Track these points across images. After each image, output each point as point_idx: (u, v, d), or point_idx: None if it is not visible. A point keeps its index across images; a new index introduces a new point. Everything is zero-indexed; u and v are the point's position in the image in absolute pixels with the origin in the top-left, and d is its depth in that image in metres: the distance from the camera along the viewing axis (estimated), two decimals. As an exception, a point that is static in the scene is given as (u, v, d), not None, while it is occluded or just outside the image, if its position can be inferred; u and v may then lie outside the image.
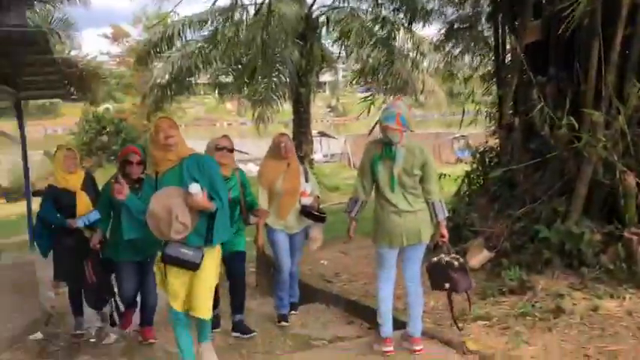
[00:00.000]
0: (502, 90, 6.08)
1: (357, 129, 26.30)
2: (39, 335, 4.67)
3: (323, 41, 14.60)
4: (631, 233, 4.35)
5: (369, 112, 6.78)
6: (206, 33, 13.30)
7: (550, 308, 4.08)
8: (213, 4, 10.94)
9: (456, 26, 7.52)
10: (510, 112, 6.26)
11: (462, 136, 7.30)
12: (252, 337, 4.42)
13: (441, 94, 14.18)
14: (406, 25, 10.62)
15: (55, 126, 39.39)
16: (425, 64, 12.59)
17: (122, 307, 4.56)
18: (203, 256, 3.28)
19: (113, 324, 4.58)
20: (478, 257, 5.46)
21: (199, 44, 13.11)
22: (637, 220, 4.54)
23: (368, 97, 7.37)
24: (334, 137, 26.95)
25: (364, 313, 4.78)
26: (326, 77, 16.72)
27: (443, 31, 7.81)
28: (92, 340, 4.65)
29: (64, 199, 4.48)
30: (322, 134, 26.81)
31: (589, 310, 3.99)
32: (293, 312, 4.96)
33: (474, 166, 6.49)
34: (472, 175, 6.45)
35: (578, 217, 4.79)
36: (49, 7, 15.75)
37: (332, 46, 14.78)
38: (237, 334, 4.45)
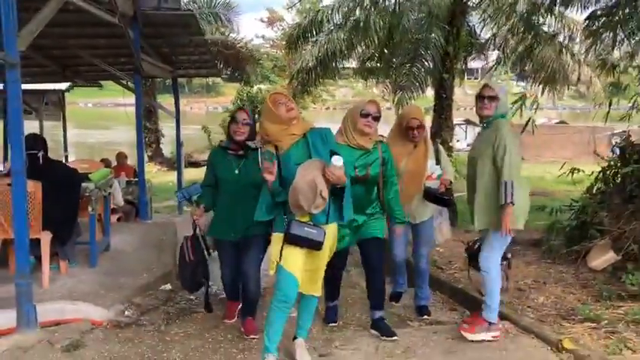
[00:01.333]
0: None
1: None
2: (168, 287, 5.19)
3: (473, 25, 14.29)
4: None
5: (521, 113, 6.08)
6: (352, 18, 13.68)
7: (668, 318, 3.80)
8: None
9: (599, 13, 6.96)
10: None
11: (623, 131, 6.74)
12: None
13: (599, 84, 13.13)
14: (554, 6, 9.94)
15: (216, 104, 42.91)
16: (581, 51, 11.76)
17: (224, 295, 4.40)
18: (325, 234, 3.21)
19: (209, 310, 4.27)
20: (602, 258, 5.19)
21: (342, 28, 13.48)
22: None
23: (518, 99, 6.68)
24: (478, 125, 26.05)
25: (468, 302, 4.82)
26: (477, 64, 16.24)
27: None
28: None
29: None
30: (468, 122, 26.04)
31: None
32: (426, 316, 4.58)
33: (612, 162, 6.06)
34: (608, 172, 6.03)
35: None
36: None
37: (481, 31, 14.42)
38: (376, 333, 3.95)
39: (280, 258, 3.25)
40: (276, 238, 3.32)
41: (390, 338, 3.84)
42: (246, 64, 18.55)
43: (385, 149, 3.93)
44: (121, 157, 8.87)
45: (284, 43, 20.68)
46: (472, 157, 3.89)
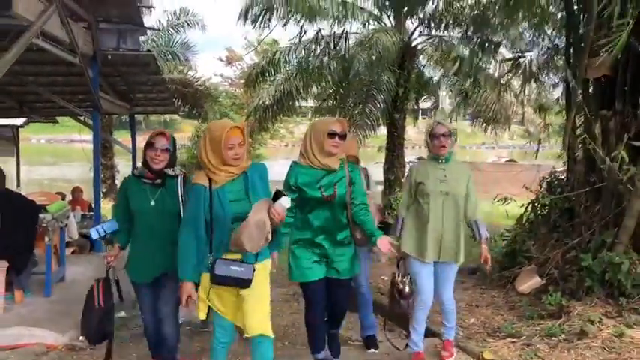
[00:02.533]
0: (568, 123, 6.28)
1: (460, 156, 26.18)
2: (122, 314, 5.15)
3: (422, 68, 15.18)
4: (671, 266, 4.47)
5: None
6: (308, 59, 14.36)
7: (576, 331, 4.32)
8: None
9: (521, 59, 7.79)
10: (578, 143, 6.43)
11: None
12: None
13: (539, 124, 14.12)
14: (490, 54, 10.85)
15: (174, 141, 42.86)
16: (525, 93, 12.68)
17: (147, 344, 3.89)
18: (254, 270, 3.07)
19: None
20: (528, 283, 5.72)
21: (299, 69, 14.13)
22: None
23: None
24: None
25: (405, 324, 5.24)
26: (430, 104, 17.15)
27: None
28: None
29: None
30: (421, 160, 27.01)
31: (613, 336, 4.19)
32: (373, 350, 4.60)
33: (539, 196, 6.70)
34: (536, 204, 6.66)
35: (623, 248, 4.94)
36: (172, 31, 17.79)
37: (430, 73, 15.34)
38: None
39: (208, 299, 3.15)
40: (204, 277, 3.14)
41: None
42: (204, 101, 18.97)
43: (352, 168, 3.73)
44: (76, 191, 9.07)
45: (242, 81, 21.30)
46: (446, 192, 3.87)
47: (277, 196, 3.04)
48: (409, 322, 4.12)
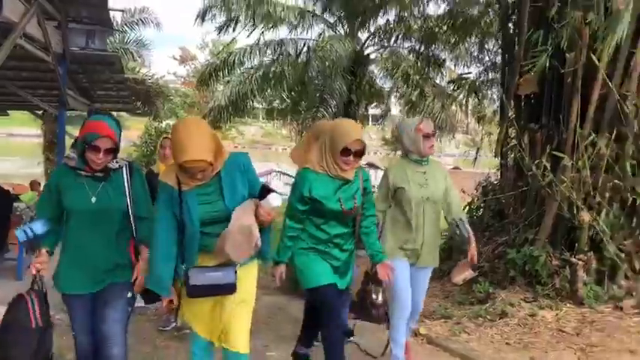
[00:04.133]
0: (500, 134, 7.17)
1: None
2: None
3: (375, 77, 16.04)
4: (577, 259, 5.36)
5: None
6: (265, 60, 14.94)
7: (498, 313, 5.15)
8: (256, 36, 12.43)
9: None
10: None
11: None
12: None
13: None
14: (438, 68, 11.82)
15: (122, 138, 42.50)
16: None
17: None
18: (236, 272, 2.81)
19: None
20: (462, 275, 6.50)
21: (255, 73, 14.70)
22: (587, 249, 5.52)
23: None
24: (381, 168, 28.13)
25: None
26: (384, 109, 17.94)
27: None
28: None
29: None
30: (370, 165, 28.02)
31: (528, 315, 5.03)
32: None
33: (475, 198, 7.58)
34: (472, 207, 7.54)
35: (542, 244, 5.82)
36: (126, 28, 18.00)
37: (381, 81, 16.22)
38: None
39: (179, 312, 2.94)
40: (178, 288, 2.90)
41: None
42: (156, 99, 19.24)
43: (366, 177, 3.50)
44: (34, 184, 9.38)
45: (195, 80, 21.66)
46: (427, 197, 3.72)
47: (263, 192, 2.80)
48: (388, 332, 3.96)
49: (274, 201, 2.80)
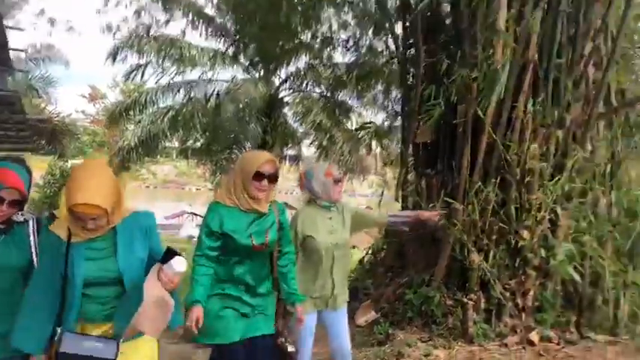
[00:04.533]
0: (399, 178, 7.61)
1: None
2: None
3: (289, 120, 16.43)
4: (468, 299, 5.74)
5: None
6: (177, 100, 14.97)
7: (395, 354, 5.39)
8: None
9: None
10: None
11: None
12: None
13: (389, 175, 15.92)
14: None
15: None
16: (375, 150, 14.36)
17: None
18: (118, 349, 2.51)
19: None
20: (365, 317, 6.78)
21: (167, 113, 14.68)
22: (476, 289, 5.93)
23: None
24: (296, 209, 28.38)
25: None
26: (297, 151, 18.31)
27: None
28: None
29: None
30: (286, 205, 28.20)
31: (423, 355, 5.31)
32: None
33: (379, 240, 7.92)
34: (375, 248, 7.87)
35: (438, 285, 6.17)
36: (30, 64, 17.49)
37: (295, 123, 16.64)
38: None
39: None
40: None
41: None
42: (62, 137, 18.67)
43: (282, 211, 3.37)
44: None
45: (105, 119, 21.20)
46: (336, 243, 3.72)
47: (168, 256, 2.55)
48: None
49: (179, 266, 2.52)
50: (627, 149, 6.65)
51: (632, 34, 7.16)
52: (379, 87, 10.66)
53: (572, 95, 6.35)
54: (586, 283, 5.89)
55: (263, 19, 10.02)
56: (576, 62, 6.37)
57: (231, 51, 14.05)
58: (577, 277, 5.81)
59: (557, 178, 6.03)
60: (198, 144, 16.42)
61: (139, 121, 16.08)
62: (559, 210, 5.95)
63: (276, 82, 15.05)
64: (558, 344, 5.46)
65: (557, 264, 5.76)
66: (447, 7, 7.29)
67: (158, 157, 19.86)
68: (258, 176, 3.13)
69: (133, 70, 12.68)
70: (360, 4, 9.26)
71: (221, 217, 3.14)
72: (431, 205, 6.55)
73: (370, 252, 7.89)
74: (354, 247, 8.18)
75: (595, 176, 6.30)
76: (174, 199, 29.98)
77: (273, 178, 3.18)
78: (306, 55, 12.11)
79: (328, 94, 12.48)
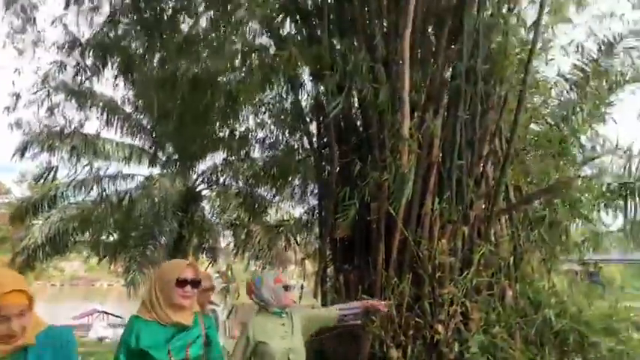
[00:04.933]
0: (317, 274, 7.76)
1: (243, 297, 27.18)
2: None
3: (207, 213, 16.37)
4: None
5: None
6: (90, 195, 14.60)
7: None
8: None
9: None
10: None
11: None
12: None
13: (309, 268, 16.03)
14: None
15: None
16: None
17: None
18: None
19: None
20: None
21: (79, 208, 14.28)
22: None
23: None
24: (216, 304, 27.61)
25: None
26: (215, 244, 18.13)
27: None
28: None
29: None
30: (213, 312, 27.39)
31: None
32: None
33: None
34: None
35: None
36: None
37: (213, 217, 16.59)
38: None
39: None
40: None
41: None
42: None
43: (209, 324, 3.21)
44: None
45: (9, 215, 20.19)
46: (289, 348, 3.69)
47: None
48: None
49: None
50: (528, 243, 7.20)
51: (524, 136, 7.97)
52: (296, 181, 10.98)
53: (474, 193, 6.89)
54: (499, 375, 6.15)
55: (179, 118, 10.25)
56: (476, 163, 6.99)
57: (147, 146, 14.10)
58: (490, 369, 6.07)
59: (465, 273, 6.41)
60: (111, 238, 15.98)
61: (48, 217, 15.50)
62: (469, 303, 6.27)
63: (193, 176, 15.14)
64: None
65: (471, 357, 5.99)
66: (357, 111, 7.82)
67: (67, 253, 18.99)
68: (181, 283, 3.05)
69: (44, 173, 12.38)
70: (277, 104, 9.70)
71: (138, 333, 2.97)
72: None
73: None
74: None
75: (500, 269, 6.74)
76: (84, 297, 28.41)
77: (196, 283, 3.10)
78: (223, 151, 12.38)
79: (245, 189, 12.68)
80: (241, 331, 3.74)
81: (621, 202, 8.22)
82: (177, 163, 14.63)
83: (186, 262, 3.21)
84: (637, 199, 8.03)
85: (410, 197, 6.46)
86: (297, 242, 9.94)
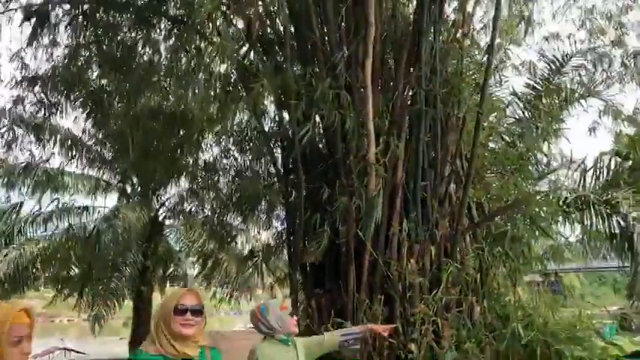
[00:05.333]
0: (293, 299, 7.85)
1: (210, 324, 26.86)
2: None
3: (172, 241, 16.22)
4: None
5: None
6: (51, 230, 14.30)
7: None
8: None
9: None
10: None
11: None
12: None
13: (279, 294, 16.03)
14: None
15: None
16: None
17: None
18: None
19: None
20: None
21: (40, 244, 13.96)
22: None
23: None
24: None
25: None
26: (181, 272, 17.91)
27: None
28: None
29: None
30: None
31: None
32: None
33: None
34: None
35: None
36: None
37: (179, 245, 16.44)
38: None
39: None
40: None
41: None
42: None
43: (216, 357, 3.02)
44: None
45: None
46: None
47: None
48: None
49: None
50: (492, 258, 7.47)
51: (484, 155, 8.30)
52: (263, 207, 11.06)
53: (439, 213, 7.14)
54: (472, 389, 6.34)
55: (141, 148, 10.24)
56: (439, 183, 7.25)
57: (110, 178, 13.97)
58: (464, 385, 6.25)
59: (435, 291, 6.61)
60: (72, 273, 15.63)
61: (6, 255, 15.07)
62: (440, 321, 6.46)
63: (157, 206, 15.02)
64: None
65: (445, 374, 6.17)
66: (322, 138, 8.01)
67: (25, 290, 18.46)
68: (180, 311, 2.86)
69: (5, 212, 12.12)
70: (242, 132, 9.83)
71: None
72: (322, 326, 6.80)
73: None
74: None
75: (468, 286, 6.97)
76: (43, 333, 27.51)
77: (197, 312, 2.89)
78: (187, 180, 12.37)
79: (213, 218, 12.67)
80: (249, 357, 3.70)
81: (578, 214, 8.59)
82: (141, 194, 14.51)
83: (186, 289, 3.08)
84: (592, 210, 8.39)
85: (378, 221, 6.64)
86: (269, 268, 9.99)
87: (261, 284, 17.32)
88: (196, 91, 8.81)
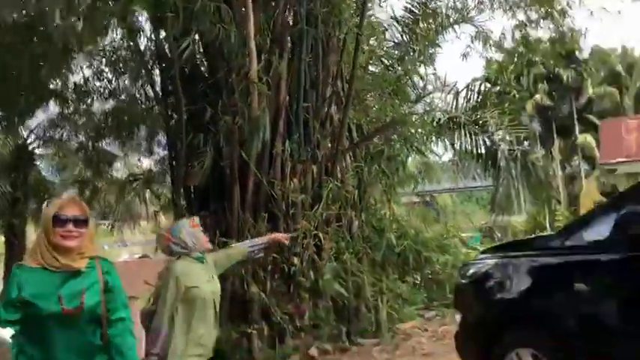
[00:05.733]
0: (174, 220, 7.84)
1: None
2: None
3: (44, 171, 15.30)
4: (252, 330, 6.24)
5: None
6: None
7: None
8: None
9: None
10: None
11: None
12: None
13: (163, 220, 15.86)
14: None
15: None
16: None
17: None
18: None
19: None
20: None
21: None
22: (259, 318, 6.46)
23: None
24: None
25: None
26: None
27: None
28: None
29: None
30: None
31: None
32: None
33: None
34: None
35: (221, 322, 6.53)
36: None
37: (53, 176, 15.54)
38: None
39: None
40: None
41: None
42: None
43: (107, 268, 2.72)
44: None
45: None
46: (213, 291, 3.62)
47: None
48: None
49: None
50: (370, 176, 7.89)
51: (363, 78, 8.55)
52: (142, 133, 10.69)
53: (320, 134, 7.35)
54: (351, 296, 6.82)
55: (2, 69, 9.32)
56: (320, 105, 7.42)
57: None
58: (343, 292, 6.70)
59: (316, 208, 6.90)
60: None
61: None
62: (321, 235, 6.80)
63: (24, 133, 13.99)
64: (334, 354, 6.24)
65: (325, 282, 6.57)
66: (202, 57, 7.81)
67: None
68: (61, 221, 2.59)
69: None
70: (116, 52, 9.30)
71: (21, 282, 2.56)
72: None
73: (152, 301, 7.91)
74: (132, 297, 8.12)
75: (347, 202, 7.35)
76: None
77: (80, 222, 2.62)
78: (58, 105, 11.55)
79: (87, 144, 12.03)
80: (163, 277, 3.59)
81: (450, 134, 9.22)
82: (5, 121, 13.40)
83: (67, 198, 2.80)
84: (462, 130, 9.04)
85: (263, 140, 6.72)
86: (153, 193, 9.80)
87: (145, 214, 17.04)
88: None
